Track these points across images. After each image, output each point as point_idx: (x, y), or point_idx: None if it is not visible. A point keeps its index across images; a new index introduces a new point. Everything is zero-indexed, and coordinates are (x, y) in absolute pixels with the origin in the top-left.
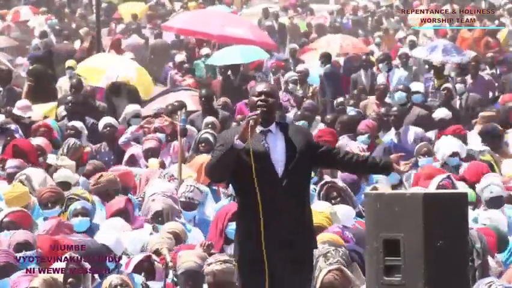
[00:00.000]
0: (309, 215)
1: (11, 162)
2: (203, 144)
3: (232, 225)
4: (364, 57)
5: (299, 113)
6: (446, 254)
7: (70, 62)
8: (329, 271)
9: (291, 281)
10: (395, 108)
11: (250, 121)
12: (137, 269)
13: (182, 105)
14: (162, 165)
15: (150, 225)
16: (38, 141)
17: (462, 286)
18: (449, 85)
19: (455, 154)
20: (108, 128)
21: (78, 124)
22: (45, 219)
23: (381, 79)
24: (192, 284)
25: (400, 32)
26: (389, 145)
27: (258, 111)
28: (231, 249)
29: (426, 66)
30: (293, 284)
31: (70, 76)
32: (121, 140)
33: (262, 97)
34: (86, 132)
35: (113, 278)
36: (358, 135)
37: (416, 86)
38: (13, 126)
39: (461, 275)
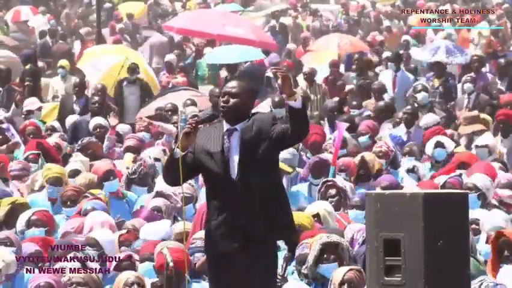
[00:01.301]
0: (277, 204)
1: (16, 165)
2: None
3: None
4: (356, 55)
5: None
6: (446, 254)
7: (62, 62)
8: (351, 269)
9: (254, 275)
10: (409, 107)
11: (186, 129)
12: (119, 267)
13: (192, 103)
14: (135, 161)
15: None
16: (54, 139)
17: (462, 286)
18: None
19: (438, 144)
20: (98, 129)
21: (56, 124)
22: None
23: (387, 80)
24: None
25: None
26: (397, 140)
27: (193, 120)
28: None
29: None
30: (256, 276)
31: (62, 76)
32: (104, 150)
33: (225, 98)
34: (61, 132)
35: (129, 275)
36: (359, 135)
37: (422, 84)
38: (5, 125)
39: (461, 275)
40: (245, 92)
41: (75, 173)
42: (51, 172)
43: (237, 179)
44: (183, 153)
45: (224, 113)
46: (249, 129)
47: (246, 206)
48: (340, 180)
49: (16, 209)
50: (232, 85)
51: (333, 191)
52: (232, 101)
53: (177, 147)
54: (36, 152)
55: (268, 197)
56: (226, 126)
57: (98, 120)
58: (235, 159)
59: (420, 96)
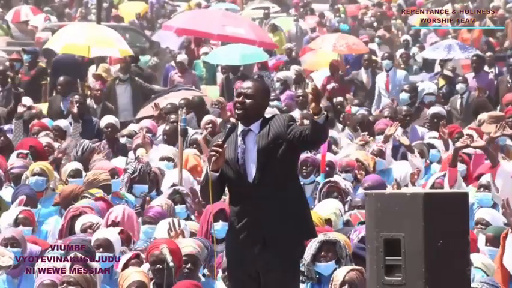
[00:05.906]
0: (296, 207)
1: (18, 162)
2: (194, 146)
3: (216, 226)
4: (366, 56)
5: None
6: (446, 253)
7: None
8: (352, 269)
9: (273, 279)
10: (405, 108)
11: (212, 158)
12: (127, 267)
13: (187, 103)
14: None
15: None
16: (46, 140)
17: (462, 286)
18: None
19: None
20: (110, 129)
21: (62, 123)
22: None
23: (381, 78)
24: (191, 267)
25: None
26: (395, 143)
27: (217, 147)
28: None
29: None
30: (275, 279)
31: None
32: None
33: (240, 99)
34: (71, 131)
35: (134, 276)
36: (375, 134)
37: (429, 87)
38: (6, 126)
39: (461, 275)
40: (260, 92)
41: (76, 173)
42: (36, 165)
43: (254, 182)
44: (216, 175)
45: (239, 115)
46: (266, 133)
47: (264, 209)
48: (341, 181)
49: None
50: (247, 85)
51: (335, 192)
52: (247, 102)
53: (210, 170)
54: (26, 151)
55: (286, 201)
56: (241, 127)
57: (110, 119)
58: (252, 161)
59: (401, 96)
